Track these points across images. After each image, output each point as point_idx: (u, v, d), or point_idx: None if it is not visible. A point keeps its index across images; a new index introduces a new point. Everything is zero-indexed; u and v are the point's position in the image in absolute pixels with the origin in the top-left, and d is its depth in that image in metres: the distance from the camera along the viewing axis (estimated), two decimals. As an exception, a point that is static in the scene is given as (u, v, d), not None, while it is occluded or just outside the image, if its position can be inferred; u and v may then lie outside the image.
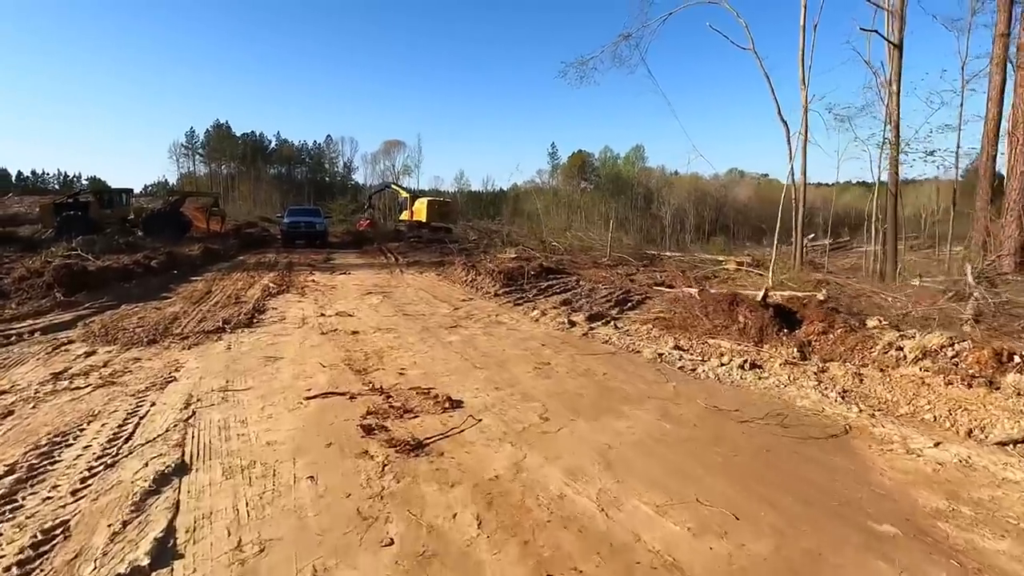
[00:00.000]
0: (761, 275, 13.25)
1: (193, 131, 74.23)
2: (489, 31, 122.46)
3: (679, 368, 5.12)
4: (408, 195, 32.21)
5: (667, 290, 10.47)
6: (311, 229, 22.37)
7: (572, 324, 7.03)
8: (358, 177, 77.90)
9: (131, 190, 28.00)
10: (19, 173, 79.73)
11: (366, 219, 35.24)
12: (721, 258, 19.40)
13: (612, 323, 7.34)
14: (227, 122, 75.06)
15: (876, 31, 10.64)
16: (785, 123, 14.36)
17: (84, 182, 74.39)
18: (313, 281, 11.65)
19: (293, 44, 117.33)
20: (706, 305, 6.28)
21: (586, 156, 66.62)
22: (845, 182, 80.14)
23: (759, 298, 6.37)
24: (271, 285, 10.72)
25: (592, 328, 6.85)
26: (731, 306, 5.90)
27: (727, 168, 73.11)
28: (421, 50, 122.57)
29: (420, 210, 29.77)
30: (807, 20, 13.38)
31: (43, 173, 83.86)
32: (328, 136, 79.90)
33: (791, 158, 14.41)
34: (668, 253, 21.02)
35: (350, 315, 7.87)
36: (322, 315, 7.84)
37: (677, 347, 5.66)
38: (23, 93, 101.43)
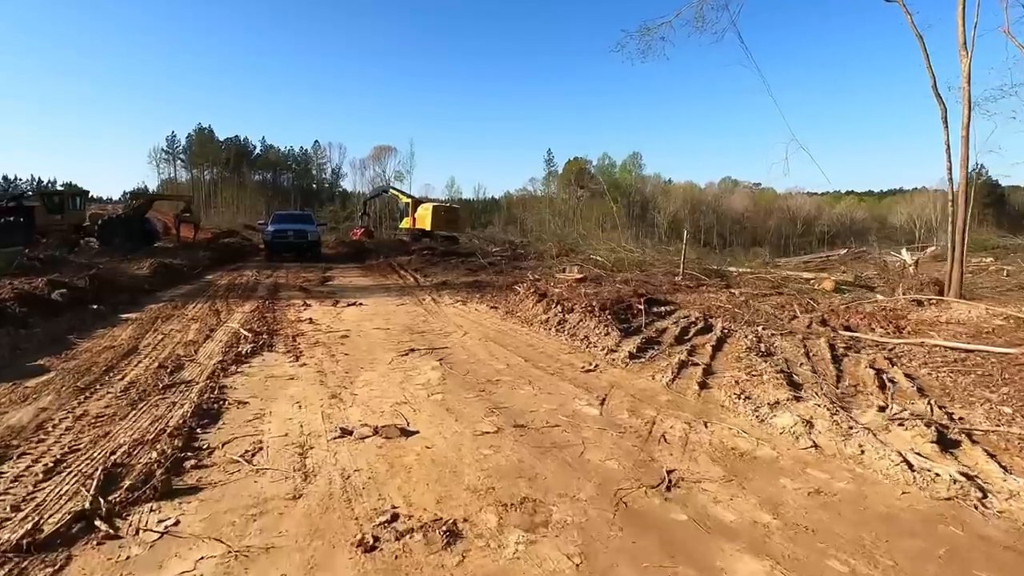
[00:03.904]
0: (924, 303, 9.18)
1: (174, 135, 68.34)
2: (484, 34, 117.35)
3: None
4: (409, 200, 27.73)
5: (887, 339, 6.32)
6: (301, 239, 17.74)
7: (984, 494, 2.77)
8: (347, 184, 72.89)
9: (87, 192, 23.02)
10: (-11, 177, 72.38)
11: (361, 227, 30.68)
12: (809, 275, 15.45)
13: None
14: (210, 126, 69.35)
15: None
16: (942, 101, 10.45)
17: (59, 187, 67.70)
18: (311, 322, 7.22)
19: (280, 47, 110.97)
20: None
21: (583, 163, 62.70)
22: (835, 192, 78.05)
23: None
24: (244, 332, 6.30)
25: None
26: None
27: (721, 176, 70.12)
28: (413, 54, 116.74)
29: (424, 217, 25.37)
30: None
31: (15, 178, 76.63)
32: (316, 141, 74.53)
33: (947, 145, 10.50)
34: (732, 269, 16.97)
35: (403, 431, 3.51)
36: (342, 432, 3.46)
37: None
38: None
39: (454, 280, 11.91)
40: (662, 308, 8.33)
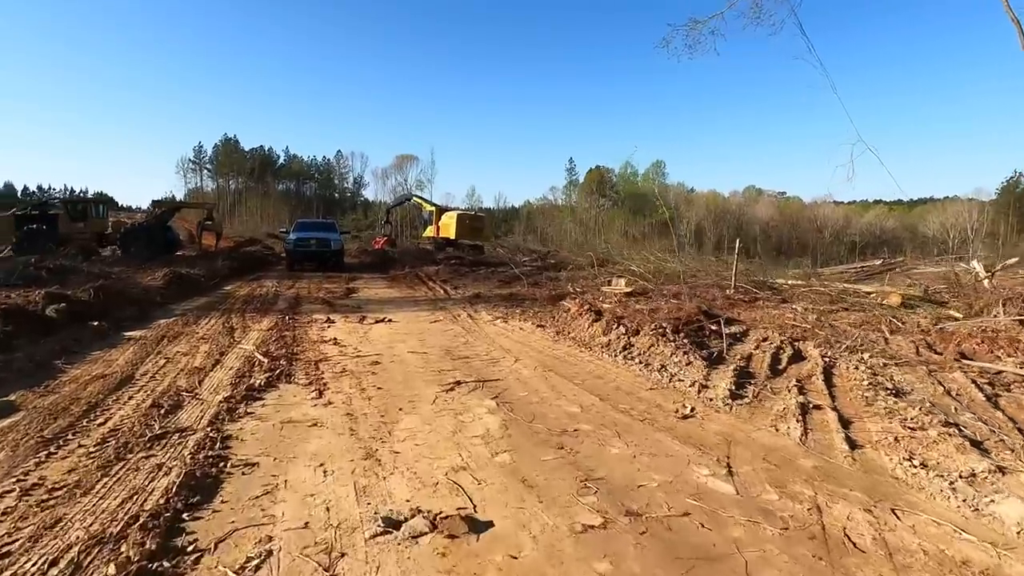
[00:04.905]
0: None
1: (201, 145, 68.91)
2: (506, 42, 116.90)
3: None
4: (433, 208, 26.89)
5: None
6: (324, 248, 16.91)
7: None
8: (368, 193, 72.73)
9: (111, 200, 22.67)
10: (24, 187, 73.77)
11: (383, 236, 29.92)
12: (870, 290, 14.06)
13: None
14: (235, 136, 69.83)
15: None
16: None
17: (88, 196, 68.73)
18: (336, 343, 6.24)
19: (304, 58, 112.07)
20: None
21: (605, 171, 61.35)
22: (862, 200, 75.41)
23: None
24: (259, 356, 5.33)
25: None
26: None
27: (745, 185, 68.31)
28: (435, 64, 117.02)
29: (448, 225, 24.50)
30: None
31: (49, 187, 78.05)
32: (338, 151, 74.58)
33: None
34: (781, 280, 15.67)
35: (471, 522, 2.44)
36: (385, 524, 2.39)
37: None
38: (32, 104, 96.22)
39: (487, 293, 10.89)
40: (733, 328, 7.19)
